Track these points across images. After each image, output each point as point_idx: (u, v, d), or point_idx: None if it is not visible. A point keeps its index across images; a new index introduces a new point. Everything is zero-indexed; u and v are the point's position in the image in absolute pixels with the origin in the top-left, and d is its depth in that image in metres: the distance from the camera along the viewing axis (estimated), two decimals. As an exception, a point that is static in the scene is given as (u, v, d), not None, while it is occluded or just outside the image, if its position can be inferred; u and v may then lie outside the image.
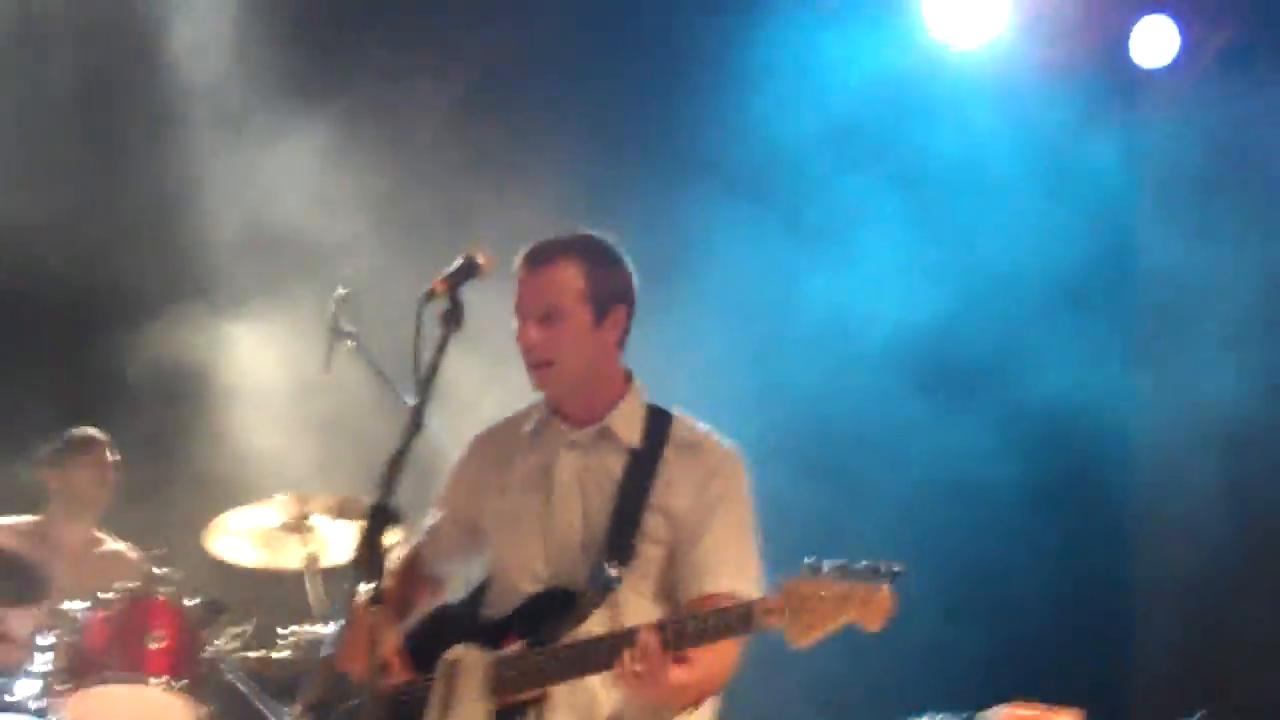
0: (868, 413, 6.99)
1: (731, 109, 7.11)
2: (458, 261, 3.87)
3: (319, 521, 6.41)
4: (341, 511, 6.36)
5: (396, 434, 3.77)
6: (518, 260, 4.10)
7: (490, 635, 4.08)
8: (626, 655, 3.75)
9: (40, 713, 5.76)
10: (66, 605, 6.16)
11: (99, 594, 6.20)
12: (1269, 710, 6.27)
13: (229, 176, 7.19)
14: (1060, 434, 7.08)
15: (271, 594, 6.68)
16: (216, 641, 6.39)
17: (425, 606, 4.35)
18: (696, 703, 3.92)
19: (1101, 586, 7.15)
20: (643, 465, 4.11)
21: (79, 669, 6.00)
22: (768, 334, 6.98)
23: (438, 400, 3.82)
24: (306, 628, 6.38)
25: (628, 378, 4.18)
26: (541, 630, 4.02)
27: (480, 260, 3.87)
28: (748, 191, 7.00)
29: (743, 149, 7.09)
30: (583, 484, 4.14)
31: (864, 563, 3.61)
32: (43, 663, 5.95)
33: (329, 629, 6.16)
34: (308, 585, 6.39)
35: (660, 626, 3.79)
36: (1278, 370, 7.01)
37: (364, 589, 3.78)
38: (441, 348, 3.81)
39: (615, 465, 4.12)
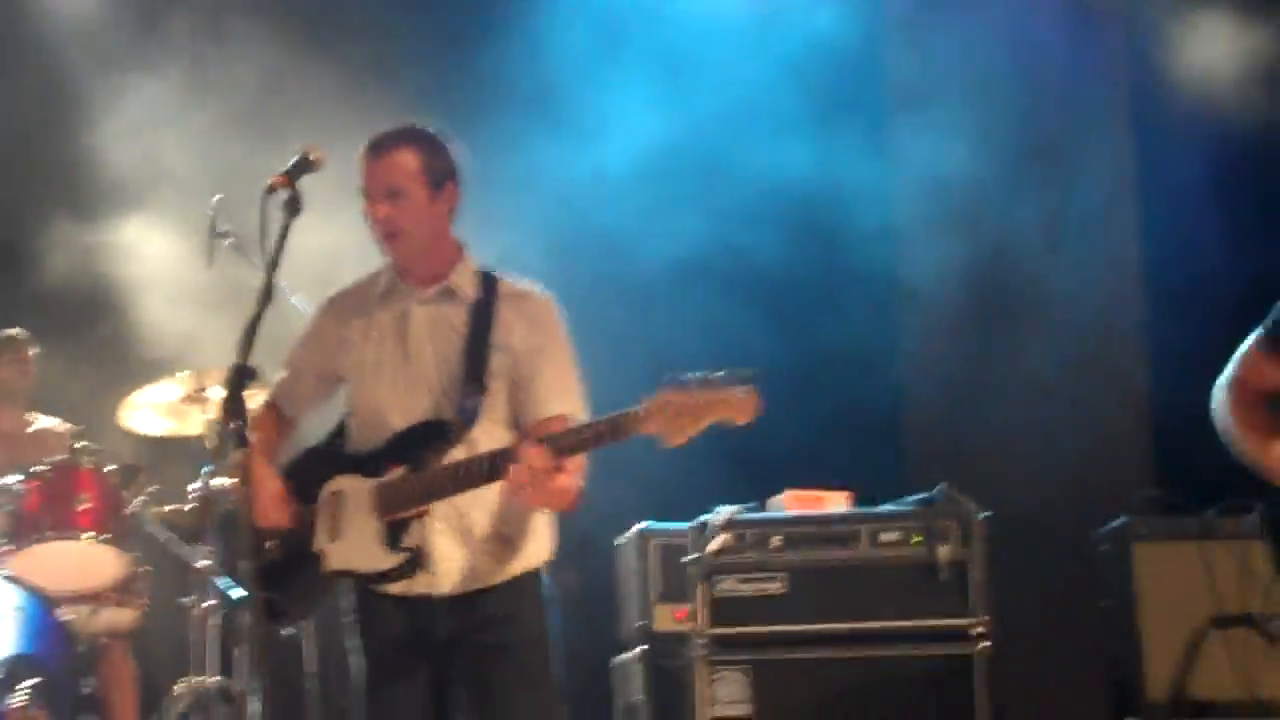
0: (631, 220, 6.97)
1: (512, 29, 7.23)
2: (294, 158, 3.96)
3: (215, 393, 6.21)
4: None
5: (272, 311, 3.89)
6: (361, 148, 4.17)
7: (367, 466, 4.18)
8: (515, 468, 3.84)
9: None
10: (5, 478, 6.15)
11: (31, 467, 6.18)
12: (1010, 479, 6.41)
13: (106, 112, 7.17)
14: (815, 217, 7.00)
15: (178, 455, 6.70)
16: (135, 500, 6.39)
17: (289, 449, 4.41)
18: (572, 504, 4.02)
19: (864, 368, 6.93)
20: (482, 313, 4.21)
21: (18, 531, 6.07)
22: (554, 184, 6.98)
23: (287, 274, 3.93)
24: (208, 482, 6.36)
25: (461, 245, 4.29)
26: (417, 456, 4.11)
27: (313, 156, 3.97)
28: (529, 90, 7.10)
29: (523, 60, 7.17)
30: (434, 332, 4.22)
31: (722, 372, 3.72)
32: None
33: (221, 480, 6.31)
34: (208, 446, 6.36)
35: (541, 440, 3.89)
36: (1008, 143, 7.02)
37: (240, 443, 3.84)
38: (284, 231, 3.91)
39: (458, 315, 4.21)
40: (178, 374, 6.43)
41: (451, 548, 4.13)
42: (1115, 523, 5.60)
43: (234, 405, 3.82)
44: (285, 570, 4.25)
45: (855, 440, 6.58)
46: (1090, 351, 6.90)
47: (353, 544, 4.16)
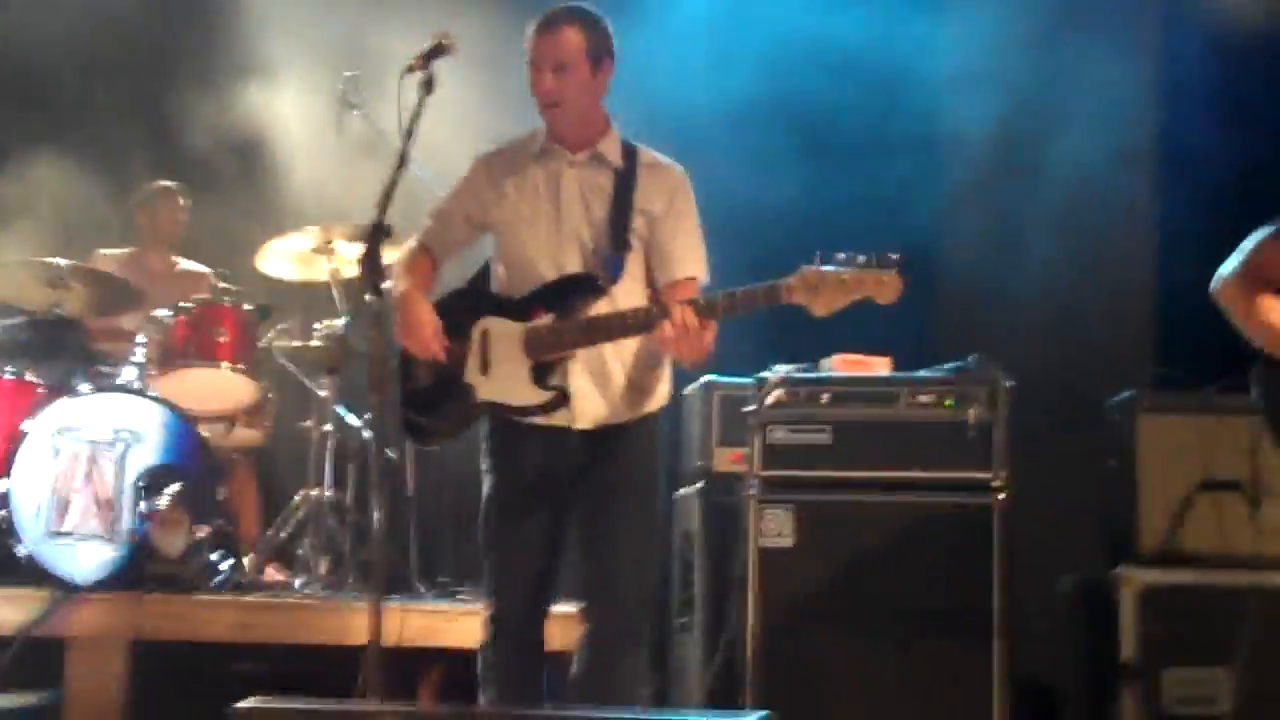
0: (688, 78, 6.79)
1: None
2: (429, 43, 4.06)
3: (340, 244, 6.44)
4: (358, 236, 6.31)
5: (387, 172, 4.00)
6: (530, 26, 4.20)
7: (517, 310, 4.22)
8: (668, 324, 3.91)
9: (140, 391, 5.96)
10: (157, 312, 6.31)
11: (180, 303, 6.34)
12: (1030, 348, 6.24)
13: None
14: (863, 72, 6.75)
15: (305, 298, 6.78)
16: (266, 335, 6.57)
17: (437, 289, 4.42)
18: (705, 359, 4.05)
19: (905, 232, 6.27)
20: (625, 180, 4.23)
21: (166, 359, 6.26)
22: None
23: (417, 145, 4.04)
24: (331, 321, 6.48)
25: (609, 117, 4.32)
26: (566, 305, 4.16)
27: (445, 42, 4.06)
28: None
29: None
30: (583, 193, 4.24)
31: (867, 254, 3.79)
32: (140, 355, 6.16)
33: (347, 322, 6.39)
34: (333, 292, 6.50)
35: (694, 302, 3.95)
36: (1046, 13, 6.77)
37: (376, 291, 3.96)
38: (419, 107, 4.02)
39: (605, 180, 4.24)
40: (307, 227, 6.49)
41: (590, 389, 4.20)
42: (1123, 395, 5.54)
43: (372, 259, 3.95)
44: (434, 397, 4.31)
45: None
46: (1105, 228, 6.75)
47: (502, 379, 4.21)
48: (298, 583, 6.13)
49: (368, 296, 3.95)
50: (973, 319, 6.70)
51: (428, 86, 4.03)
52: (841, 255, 3.81)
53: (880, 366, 5.59)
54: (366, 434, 6.37)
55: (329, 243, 6.49)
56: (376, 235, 3.94)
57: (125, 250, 6.98)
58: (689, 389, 6.13)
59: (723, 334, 4.14)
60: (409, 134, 4.01)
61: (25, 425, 5.70)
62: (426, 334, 4.21)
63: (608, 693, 4.15)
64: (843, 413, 5.34)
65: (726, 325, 4.13)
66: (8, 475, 5.61)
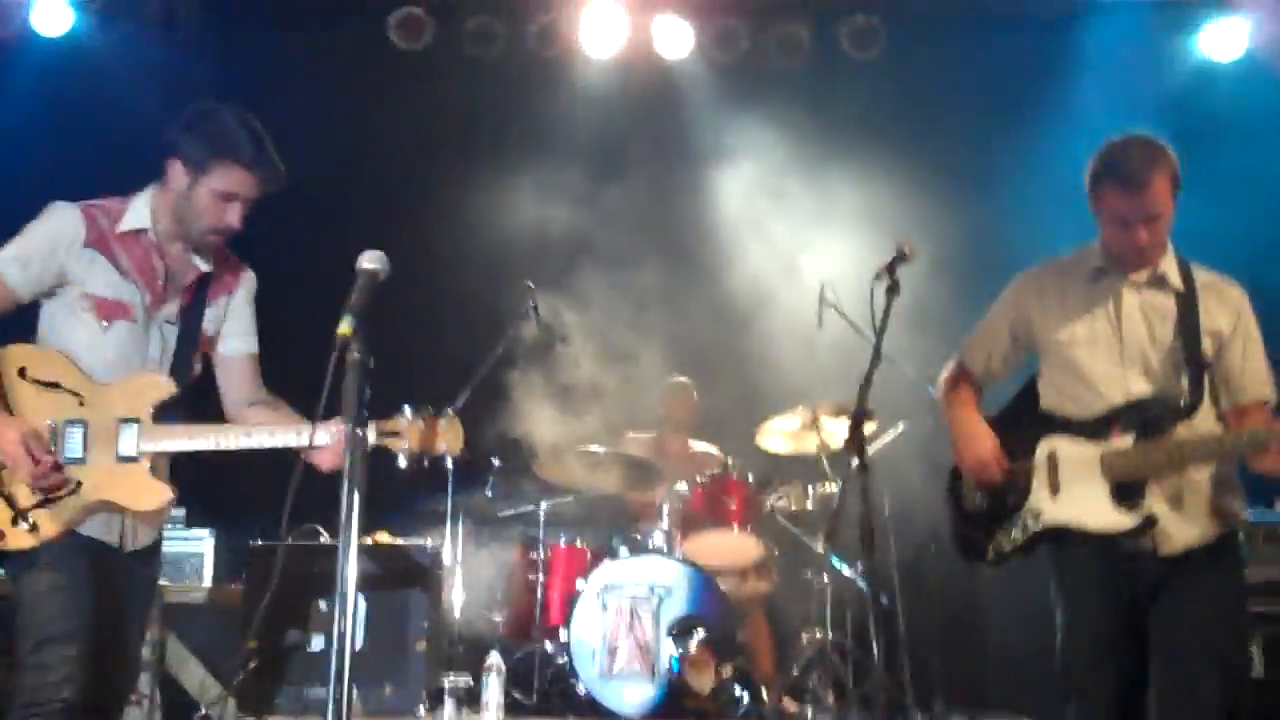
0: None
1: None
2: (893, 253, 3.90)
3: (825, 420, 6.49)
4: (839, 412, 6.48)
5: (863, 360, 3.84)
6: (1108, 182, 3.74)
7: (1088, 431, 3.79)
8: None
9: (668, 553, 6.11)
10: (677, 485, 6.48)
11: (696, 476, 6.54)
12: None
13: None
14: None
15: (799, 467, 6.76)
16: (768, 500, 6.63)
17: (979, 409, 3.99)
18: None
19: None
20: (1189, 301, 3.78)
21: (687, 523, 6.38)
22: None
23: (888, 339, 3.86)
24: (825, 486, 6.51)
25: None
26: (1148, 428, 3.71)
27: (908, 251, 3.88)
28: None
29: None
30: (1146, 316, 3.81)
31: None
32: (666, 522, 6.33)
33: (836, 488, 6.41)
34: (823, 463, 6.52)
35: None
36: None
37: (862, 467, 3.67)
38: (887, 308, 3.86)
39: (1167, 302, 3.80)
40: (797, 407, 6.60)
41: (1171, 513, 3.72)
42: None
43: (857, 437, 3.79)
44: (993, 517, 3.96)
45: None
46: None
47: (1077, 502, 3.80)
48: (809, 713, 6.07)
49: (855, 471, 3.73)
50: None
51: (893, 290, 3.88)
52: None
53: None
54: (860, 583, 6.32)
55: (815, 419, 6.55)
56: (859, 418, 3.77)
57: (649, 435, 7.25)
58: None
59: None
60: (881, 331, 3.84)
61: (579, 584, 5.96)
62: (988, 455, 3.90)
63: None
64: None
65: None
66: (567, 625, 5.86)
